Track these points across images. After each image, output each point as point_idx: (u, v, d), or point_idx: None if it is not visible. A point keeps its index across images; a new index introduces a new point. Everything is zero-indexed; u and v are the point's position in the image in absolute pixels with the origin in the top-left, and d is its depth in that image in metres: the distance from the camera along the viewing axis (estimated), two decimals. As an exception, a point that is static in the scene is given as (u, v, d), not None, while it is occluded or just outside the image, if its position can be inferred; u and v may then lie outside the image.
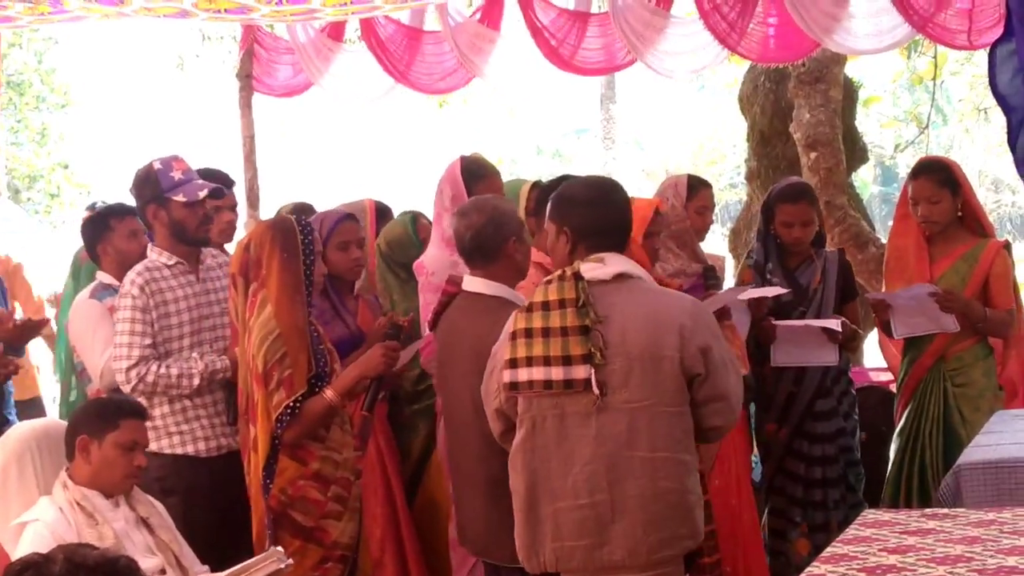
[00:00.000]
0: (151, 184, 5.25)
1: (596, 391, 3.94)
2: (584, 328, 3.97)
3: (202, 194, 5.25)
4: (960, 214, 5.98)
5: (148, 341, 5.08)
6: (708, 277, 6.22)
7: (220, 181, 5.61)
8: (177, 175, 5.25)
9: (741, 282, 6.35)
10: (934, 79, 10.83)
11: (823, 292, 6.15)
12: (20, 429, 4.80)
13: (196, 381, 5.11)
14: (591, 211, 4.14)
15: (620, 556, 3.98)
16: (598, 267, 4.05)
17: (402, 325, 5.11)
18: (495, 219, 4.58)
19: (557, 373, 3.98)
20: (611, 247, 4.11)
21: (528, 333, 4.04)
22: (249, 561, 4.20)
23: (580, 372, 3.96)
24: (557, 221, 4.23)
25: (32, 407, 7.82)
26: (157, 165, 5.27)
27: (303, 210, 6.12)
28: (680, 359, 3.95)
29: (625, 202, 4.23)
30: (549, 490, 4.05)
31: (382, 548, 5.53)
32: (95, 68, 27.45)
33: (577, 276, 4.03)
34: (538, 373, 4.01)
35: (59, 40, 21.35)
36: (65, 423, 4.72)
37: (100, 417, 4.41)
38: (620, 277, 4.06)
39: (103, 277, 5.73)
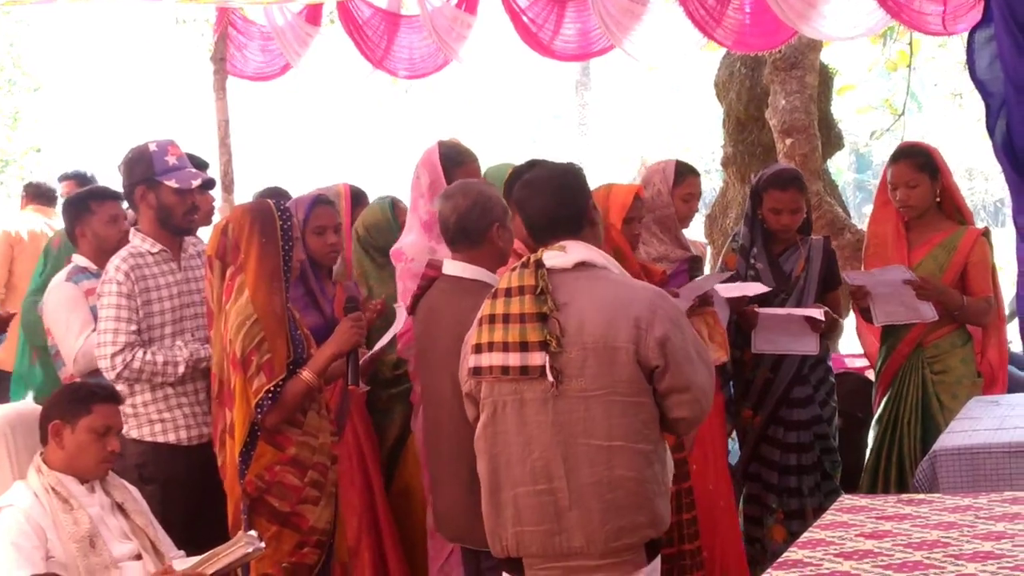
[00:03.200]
0: (144, 165, 5.21)
1: (550, 378, 3.94)
2: (541, 315, 3.96)
3: (195, 183, 5.22)
4: (939, 200, 5.98)
5: (133, 327, 5.04)
6: (693, 267, 6.22)
7: (194, 165, 5.58)
8: (172, 160, 5.22)
9: (725, 267, 6.35)
10: (908, 66, 10.85)
11: (806, 280, 6.15)
12: (-8, 413, 4.78)
13: (181, 369, 5.09)
14: (540, 200, 4.14)
15: (578, 543, 3.98)
16: (560, 255, 4.05)
17: (358, 298, 5.15)
18: (480, 203, 4.57)
19: (514, 359, 3.98)
20: (566, 234, 4.10)
21: (492, 319, 4.06)
22: (221, 545, 4.21)
23: (536, 359, 3.95)
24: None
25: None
26: (152, 147, 5.23)
27: (277, 195, 6.09)
28: (635, 350, 3.93)
29: (576, 189, 4.19)
30: (509, 475, 4.06)
31: (359, 536, 5.51)
32: (67, 51, 27.30)
33: (538, 264, 4.03)
34: (497, 359, 4.02)
35: (31, 23, 21.21)
36: (38, 407, 4.71)
37: (73, 402, 4.39)
38: (581, 266, 4.05)
39: (79, 260, 5.69)
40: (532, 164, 4.95)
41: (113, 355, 5.01)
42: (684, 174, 6.26)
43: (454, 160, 5.34)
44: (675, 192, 6.17)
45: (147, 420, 5.11)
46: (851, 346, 7.70)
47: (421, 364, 4.80)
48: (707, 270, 6.64)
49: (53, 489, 4.27)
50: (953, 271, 5.89)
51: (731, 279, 6.04)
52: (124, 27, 23.31)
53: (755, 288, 5.92)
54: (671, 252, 6.08)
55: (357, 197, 6.13)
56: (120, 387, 4.98)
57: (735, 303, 5.90)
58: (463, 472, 4.47)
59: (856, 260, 7.60)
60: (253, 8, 8.93)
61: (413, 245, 5.21)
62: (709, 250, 9.39)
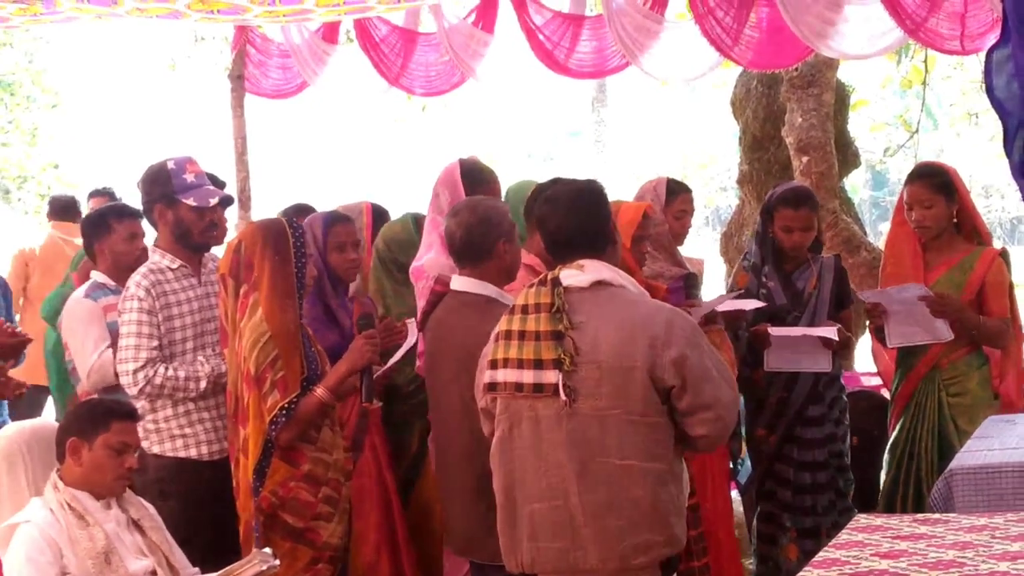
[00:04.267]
0: (162, 183, 5.23)
1: (563, 397, 3.94)
2: (556, 333, 3.97)
3: (213, 201, 5.24)
4: (956, 221, 5.95)
5: (155, 343, 5.06)
6: (689, 284, 6.22)
7: (212, 183, 5.60)
8: (190, 178, 5.24)
9: (736, 285, 6.35)
10: (923, 84, 10.86)
11: (818, 298, 6.13)
12: (10, 430, 4.80)
13: (203, 384, 5.10)
14: (561, 217, 4.15)
15: (593, 560, 3.98)
16: (577, 274, 4.05)
17: (373, 315, 5.18)
18: (487, 219, 4.59)
19: (528, 376, 4.00)
20: (584, 253, 4.10)
21: (508, 335, 4.08)
22: (235, 563, 4.21)
23: (550, 377, 3.96)
24: (536, 226, 4.31)
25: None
26: (171, 165, 5.26)
27: (302, 211, 6.11)
28: (649, 370, 3.93)
29: (598, 207, 4.19)
30: (525, 491, 4.07)
31: (378, 551, 5.51)
32: (86, 68, 27.41)
33: (555, 282, 4.04)
34: (511, 375, 4.04)
35: (50, 40, 21.29)
36: (55, 424, 4.73)
37: (91, 419, 4.40)
38: (598, 284, 4.05)
39: (98, 276, 5.72)
40: (555, 182, 4.97)
41: (135, 371, 5.02)
42: (676, 192, 6.28)
43: (476, 179, 5.36)
44: (667, 210, 6.19)
45: (168, 435, 5.12)
46: (867, 364, 7.69)
47: (430, 379, 4.82)
48: (706, 286, 6.63)
49: (69, 505, 4.28)
50: (970, 291, 5.85)
51: (741, 298, 6.04)
52: (142, 44, 23.39)
53: (751, 304, 5.92)
54: (666, 270, 6.09)
55: (379, 215, 6.14)
56: (141, 403, 5.00)
57: (731, 318, 5.89)
58: (471, 486, 4.49)
59: (872, 278, 7.59)
60: (271, 26, 8.97)
61: (434, 263, 5.21)
62: (723, 266, 9.39)
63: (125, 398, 5.00)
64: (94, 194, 8.69)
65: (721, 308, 5.78)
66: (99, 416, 4.41)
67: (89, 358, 5.44)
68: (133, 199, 5.92)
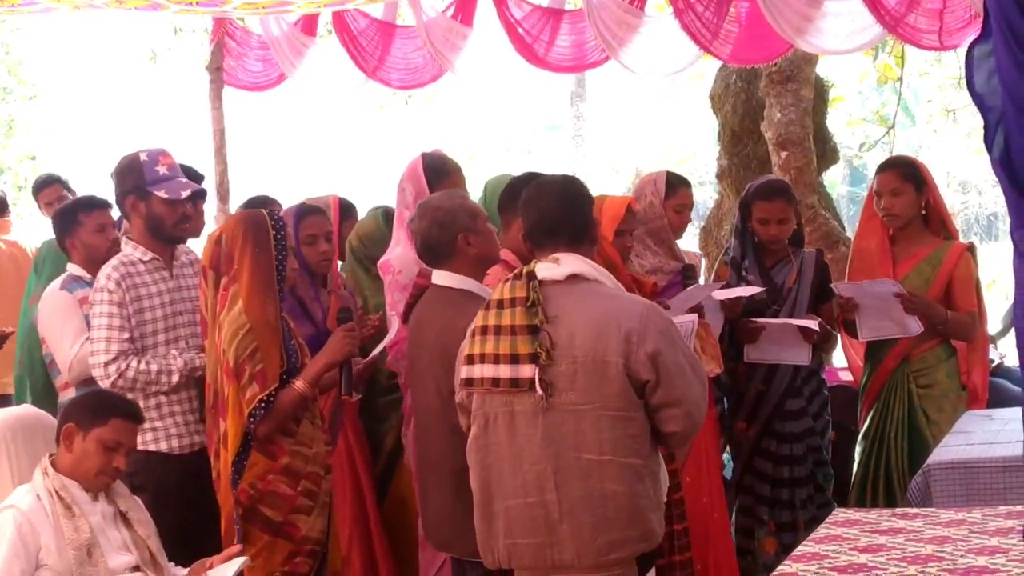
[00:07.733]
0: (134, 174, 5.21)
1: (540, 391, 3.94)
2: (532, 328, 3.98)
3: (184, 194, 5.22)
4: (924, 214, 6.01)
5: (126, 335, 5.04)
6: (686, 276, 6.23)
7: (189, 176, 5.58)
8: (162, 170, 5.22)
9: (717, 279, 6.36)
10: (899, 79, 10.89)
11: (798, 292, 6.15)
12: (-8, 417, 4.77)
13: (175, 378, 5.09)
14: (548, 204, 4.16)
15: (569, 556, 3.99)
16: (552, 267, 4.06)
17: (352, 308, 5.18)
18: (438, 220, 4.61)
19: (504, 371, 4.00)
20: (564, 244, 4.11)
21: (484, 331, 4.08)
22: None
23: (526, 371, 3.97)
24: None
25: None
26: (143, 156, 5.23)
27: (265, 204, 6.08)
28: (625, 364, 3.93)
29: (585, 199, 4.22)
30: (501, 487, 4.08)
31: (350, 546, 5.51)
32: (63, 60, 27.26)
33: (530, 276, 4.04)
34: (488, 370, 4.05)
35: (27, 31, 21.17)
36: (39, 411, 4.73)
37: (92, 410, 4.40)
38: (573, 278, 4.06)
39: (73, 269, 5.70)
40: (530, 176, 4.97)
41: (106, 363, 5.01)
42: (675, 185, 6.28)
43: (438, 171, 5.36)
44: (667, 203, 6.20)
45: (139, 429, 5.10)
46: (844, 359, 7.72)
47: (411, 373, 4.82)
48: (701, 281, 6.64)
49: (57, 493, 4.25)
50: (938, 285, 5.92)
51: (723, 289, 6.05)
52: (121, 36, 23.28)
53: (750, 290, 5.93)
54: (665, 264, 6.10)
55: (347, 209, 6.13)
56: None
57: (730, 306, 5.90)
58: (449, 481, 4.49)
59: (850, 273, 7.61)
60: (250, 18, 8.94)
61: (399, 258, 5.23)
62: (704, 262, 9.39)
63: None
64: (44, 184, 8.03)
65: (720, 297, 5.80)
66: (101, 409, 4.40)
67: (69, 351, 5.42)
68: (109, 191, 5.90)
